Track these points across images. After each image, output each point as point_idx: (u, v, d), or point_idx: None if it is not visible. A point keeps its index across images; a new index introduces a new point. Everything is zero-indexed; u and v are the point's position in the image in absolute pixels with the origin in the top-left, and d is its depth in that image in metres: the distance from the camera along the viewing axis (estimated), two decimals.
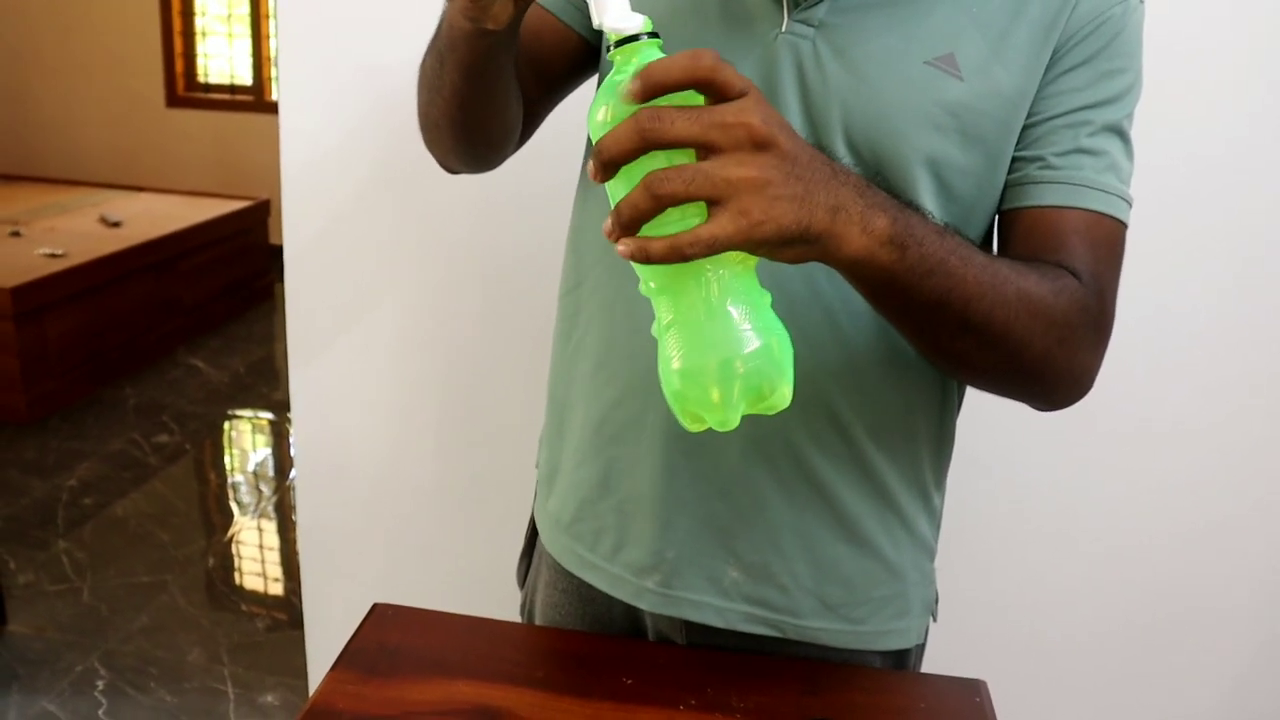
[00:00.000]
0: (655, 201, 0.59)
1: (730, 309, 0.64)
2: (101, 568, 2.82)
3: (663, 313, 0.66)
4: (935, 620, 1.06)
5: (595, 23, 0.63)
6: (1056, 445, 1.56)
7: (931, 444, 0.97)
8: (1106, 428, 1.54)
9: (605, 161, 0.60)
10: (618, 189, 0.63)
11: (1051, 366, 0.80)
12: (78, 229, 4.30)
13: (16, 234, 4.15)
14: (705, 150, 0.60)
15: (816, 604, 0.97)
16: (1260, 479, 1.54)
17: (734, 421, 0.66)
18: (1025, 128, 0.85)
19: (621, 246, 0.61)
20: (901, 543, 0.98)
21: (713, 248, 0.60)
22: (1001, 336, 0.75)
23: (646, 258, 0.60)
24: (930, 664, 1.08)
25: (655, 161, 0.60)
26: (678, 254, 0.59)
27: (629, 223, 0.60)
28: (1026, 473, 1.59)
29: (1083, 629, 1.65)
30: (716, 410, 0.65)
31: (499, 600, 1.31)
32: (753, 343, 0.64)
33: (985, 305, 0.73)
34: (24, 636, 2.51)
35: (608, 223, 0.61)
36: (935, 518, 1.02)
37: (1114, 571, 1.61)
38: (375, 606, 1.05)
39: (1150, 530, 1.58)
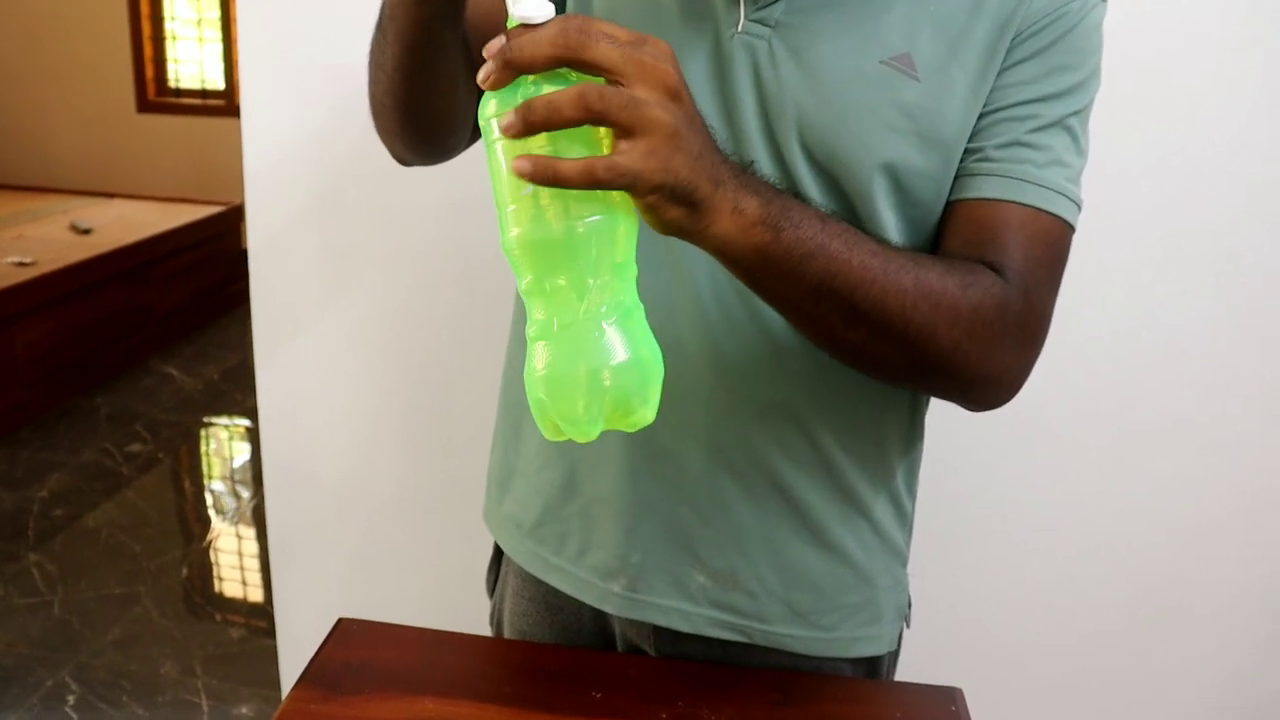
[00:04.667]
0: (584, 113, 0.58)
1: (604, 318, 0.62)
2: (73, 580, 2.78)
3: (535, 314, 0.64)
4: (909, 627, 1.05)
5: (509, 9, 0.61)
6: (1031, 447, 1.55)
7: (900, 445, 0.96)
8: (1081, 430, 1.54)
9: (511, 61, 0.58)
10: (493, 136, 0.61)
11: (962, 363, 0.78)
12: (48, 237, 4.25)
13: None
14: (621, 82, 0.59)
15: (785, 610, 0.95)
16: (1240, 482, 1.53)
17: (593, 434, 0.64)
18: (976, 121, 0.83)
19: (526, 164, 0.58)
20: (871, 547, 0.96)
21: (624, 178, 0.59)
22: (898, 326, 0.74)
23: (553, 176, 0.58)
24: (905, 672, 1.07)
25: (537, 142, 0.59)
26: (590, 176, 0.58)
27: (537, 123, 0.58)
28: (1001, 476, 1.58)
29: (1060, 635, 1.64)
30: (579, 422, 0.63)
31: (472, 608, 1.29)
32: (622, 355, 0.62)
33: (875, 291, 0.72)
34: None
35: (510, 117, 0.58)
36: (906, 521, 1.01)
37: (1091, 577, 1.60)
38: (340, 621, 1.02)
39: (1128, 535, 1.58)
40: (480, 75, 0.59)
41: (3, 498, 3.18)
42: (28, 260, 3.83)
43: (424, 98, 0.85)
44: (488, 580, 1.17)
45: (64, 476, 3.33)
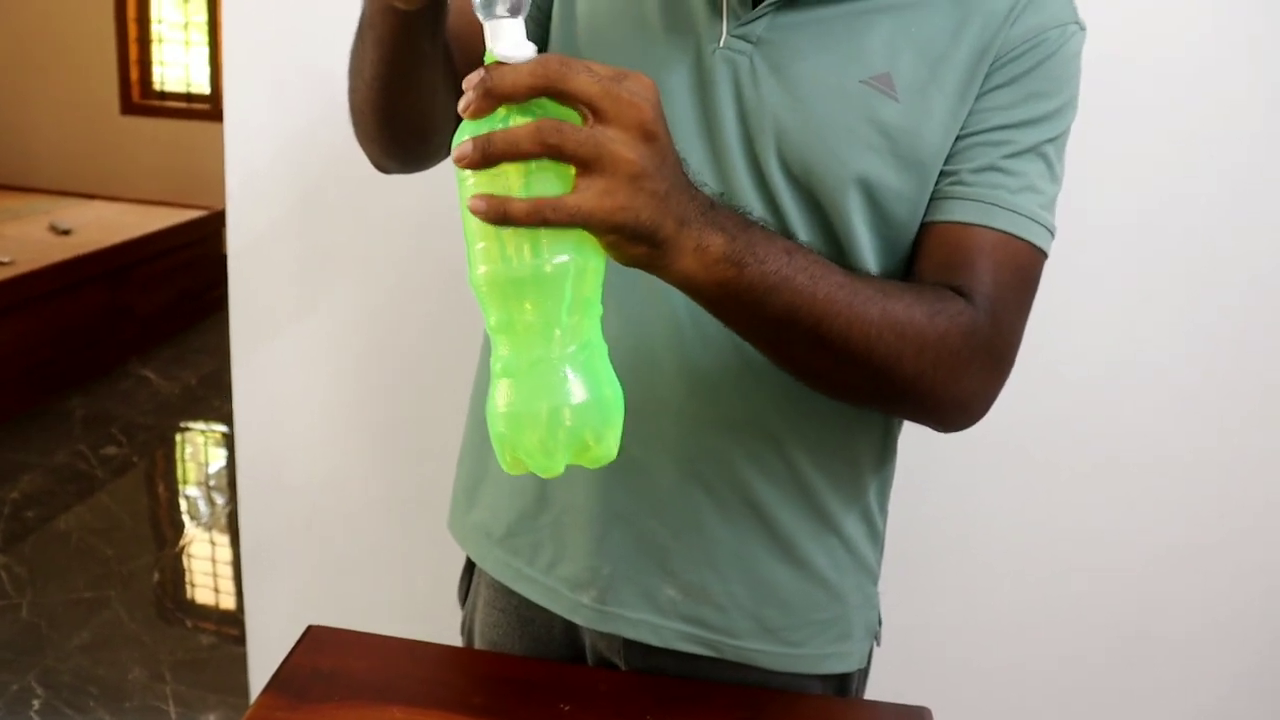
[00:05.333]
0: (540, 148, 0.58)
1: (569, 359, 0.62)
2: (42, 583, 2.75)
3: (500, 350, 0.64)
4: (879, 644, 1.05)
5: (488, 48, 0.61)
6: (1003, 468, 1.56)
7: (873, 463, 0.96)
8: (1053, 453, 1.54)
9: (491, 91, 0.58)
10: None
11: (928, 389, 0.78)
12: (27, 236, 4.22)
13: None
14: (594, 116, 0.59)
15: (754, 625, 0.95)
16: (1213, 506, 1.54)
17: (557, 469, 0.64)
18: (951, 145, 0.84)
19: (480, 202, 0.58)
20: (843, 564, 0.97)
21: (574, 219, 0.59)
22: (862, 355, 0.74)
23: (503, 215, 0.58)
24: (874, 690, 1.07)
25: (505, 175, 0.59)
26: (538, 216, 0.58)
27: (495, 155, 0.58)
28: (973, 497, 1.58)
29: (1030, 658, 1.64)
30: (538, 457, 0.64)
31: (445, 617, 1.28)
32: (584, 395, 0.63)
33: (840, 323, 0.72)
34: None
35: (467, 147, 0.58)
36: (878, 539, 1.01)
37: (1063, 599, 1.60)
38: (309, 629, 1.02)
39: (1099, 557, 1.58)
40: (460, 104, 0.59)
41: None
42: (6, 259, 3.80)
43: (403, 106, 0.85)
44: (459, 590, 1.17)
45: (36, 478, 3.31)
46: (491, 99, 0.58)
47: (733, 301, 0.69)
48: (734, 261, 0.67)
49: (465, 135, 0.60)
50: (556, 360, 0.62)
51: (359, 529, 1.77)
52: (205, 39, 5.37)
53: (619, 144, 0.59)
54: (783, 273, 0.69)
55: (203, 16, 5.37)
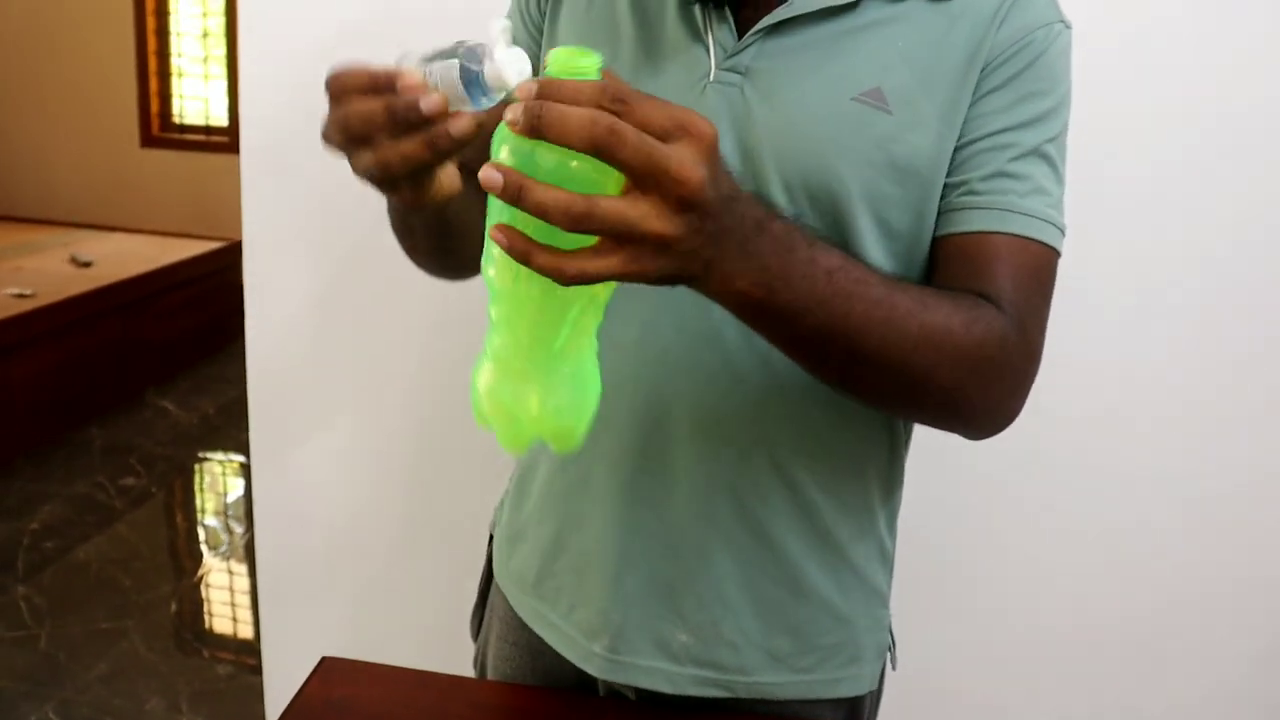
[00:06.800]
0: (589, 146, 0.55)
1: (560, 361, 0.64)
2: (61, 614, 2.76)
3: (494, 337, 0.66)
4: (894, 668, 1.04)
5: (488, 72, 0.61)
6: (1009, 500, 1.56)
7: (881, 487, 0.96)
8: (1054, 471, 1.54)
9: (539, 128, 0.55)
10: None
11: (963, 398, 0.79)
12: (47, 269, 4.27)
13: None
14: (635, 182, 0.57)
15: (765, 658, 0.95)
16: (1219, 534, 1.54)
17: (521, 449, 0.67)
18: (954, 154, 0.84)
19: (503, 236, 0.58)
20: (850, 589, 0.96)
21: (593, 281, 0.58)
22: (899, 368, 0.74)
23: (525, 258, 0.57)
24: (886, 714, 1.06)
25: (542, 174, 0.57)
26: (558, 274, 0.58)
27: (540, 134, 0.55)
28: (979, 522, 1.58)
29: (1039, 689, 1.63)
30: (507, 434, 0.67)
31: (461, 649, 1.28)
32: (563, 396, 0.65)
33: (873, 341, 0.72)
34: None
35: (518, 112, 0.56)
36: (888, 561, 1.01)
37: (1072, 613, 1.60)
38: (323, 660, 1.02)
39: (1106, 586, 1.57)
40: (507, 115, 0.56)
41: None
42: (27, 292, 3.84)
43: (458, 252, 0.88)
44: (472, 624, 1.17)
45: (56, 508, 3.32)
46: (534, 134, 0.56)
47: (763, 320, 0.69)
48: (764, 286, 0.66)
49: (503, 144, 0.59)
50: (546, 362, 0.64)
51: (376, 560, 1.77)
52: (224, 72, 5.43)
53: (652, 219, 0.57)
54: (817, 295, 0.68)
55: (221, 50, 5.43)
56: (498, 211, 0.60)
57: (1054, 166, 0.85)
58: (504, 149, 0.58)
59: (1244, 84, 1.38)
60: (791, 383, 0.87)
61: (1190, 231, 1.44)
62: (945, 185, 0.84)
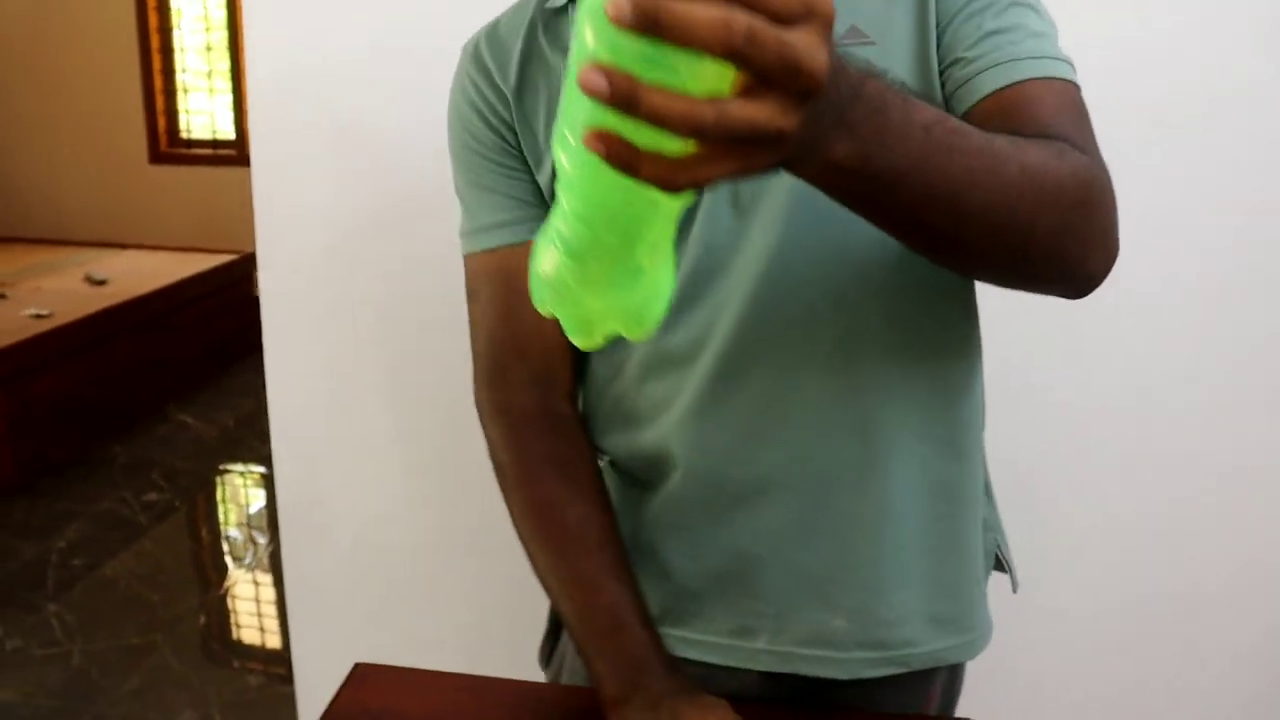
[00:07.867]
0: (711, 130, 0.49)
1: (631, 265, 0.57)
2: (91, 630, 2.79)
3: (561, 226, 0.57)
4: (1015, 590, 1.08)
5: None
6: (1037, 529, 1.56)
7: (976, 424, 1.00)
8: (1083, 456, 1.54)
9: (659, 27, 0.46)
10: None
11: (1073, 239, 0.75)
12: (63, 288, 4.29)
13: (2, 296, 4.14)
14: (760, 79, 0.49)
15: (929, 625, 0.97)
16: (1228, 557, 1.55)
17: (591, 342, 0.62)
18: (939, 41, 0.84)
19: (604, 146, 0.50)
20: (974, 527, 1.01)
21: (703, 185, 0.52)
22: (1007, 217, 0.70)
23: (628, 165, 0.50)
24: None
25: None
26: (669, 184, 0.51)
27: (655, 31, 0.46)
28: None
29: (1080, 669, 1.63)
30: (573, 324, 0.61)
31: (492, 653, 1.29)
32: (634, 298, 0.59)
33: (979, 194, 0.68)
34: (11, 704, 2.47)
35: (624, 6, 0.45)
36: (989, 491, 1.06)
37: (1112, 605, 1.59)
38: (356, 666, 1.02)
39: (1121, 595, 1.58)
40: (610, 7, 0.46)
41: (22, 548, 3.19)
42: (45, 312, 3.86)
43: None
44: (541, 653, 1.16)
45: (82, 526, 3.34)
46: (650, 30, 0.46)
47: (862, 189, 0.64)
48: (860, 156, 0.60)
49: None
50: (619, 264, 0.57)
51: (402, 566, 1.78)
52: (229, 85, 5.44)
53: (776, 114, 0.51)
54: (914, 156, 0.63)
55: (225, 64, 5.44)
56: (580, 108, 0.51)
57: (1035, 9, 0.84)
58: (588, 33, 0.49)
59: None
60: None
61: (1218, 216, 1.44)
62: (942, 72, 0.84)
